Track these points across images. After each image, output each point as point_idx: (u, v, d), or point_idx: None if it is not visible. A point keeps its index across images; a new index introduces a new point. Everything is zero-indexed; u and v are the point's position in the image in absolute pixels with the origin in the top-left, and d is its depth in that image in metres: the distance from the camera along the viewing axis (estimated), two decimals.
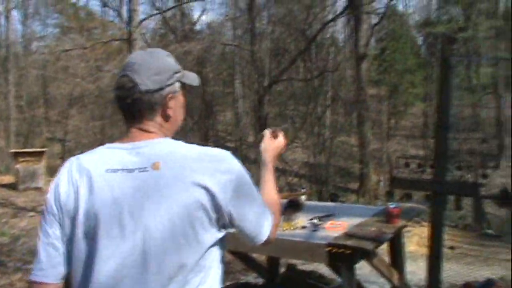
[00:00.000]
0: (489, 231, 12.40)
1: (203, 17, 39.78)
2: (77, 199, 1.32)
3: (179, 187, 1.28)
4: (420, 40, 32.64)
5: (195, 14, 38.93)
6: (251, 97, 24.07)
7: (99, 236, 1.28)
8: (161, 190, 1.28)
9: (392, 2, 23.11)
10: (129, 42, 9.83)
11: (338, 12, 21.73)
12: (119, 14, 14.54)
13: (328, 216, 3.62)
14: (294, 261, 5.09)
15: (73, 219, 1.32)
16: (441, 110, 3.47)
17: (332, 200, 16.29)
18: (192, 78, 1.54)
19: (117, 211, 1.28)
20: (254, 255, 4.72)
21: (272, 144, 1.94)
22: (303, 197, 4.70)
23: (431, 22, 27.47)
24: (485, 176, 17.43)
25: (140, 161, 1.33)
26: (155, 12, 19.01)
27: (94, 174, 1.33)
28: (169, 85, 1.43)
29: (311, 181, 19.88)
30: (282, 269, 4.86)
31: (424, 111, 26.95)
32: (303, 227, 3.36)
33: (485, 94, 25.17)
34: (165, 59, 1.46)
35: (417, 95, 26.63)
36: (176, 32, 23.11)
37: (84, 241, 1.30)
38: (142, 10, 25.64)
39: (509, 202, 13.13)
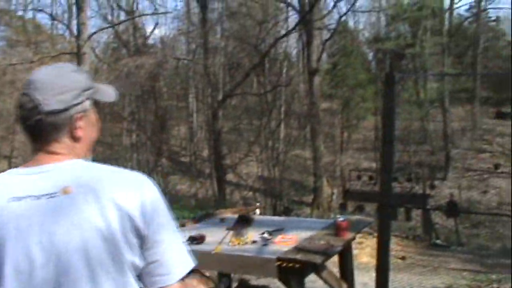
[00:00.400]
0: (438, 241, 12.76)
1: (156, 31, 39.49)
2: None
3: (93, 212, 1.16)
4: (370, 55, 33.56)
5: (148, 28, 38.57)
6: (205, 111, 24.04)
7: (6, 274, 1.14)
8: (73, 216, 1.16)
9: (343, 19, 23.71)
10: (78, 56, 9.62)
11: (290, 27, 22.08)
12: (68, 28, 14.23)
13: (278, 230, 3.63)
14: (246, 276, 5.07)
15: None
16: (385, 124, 3.56)
17: (286, 214, 16.38)
18: (107, 94, 1.40)
19: (25, 244, 1.15)
20: (206, 272, 4.67)
21: None
22: (257, 211, 4.70)
23: (381, 38, 28.30)
24: (433, 187, 18.01)
25: (48, 186, 1.20)
26: (107, 25, 18.71)
27: None
28: (76, 104, 1.28)
29: (265, 195, 19.95)
30: (234, 285, 4.83)
31: (375, 125, 27.62)
32: (254, 242, 3.35)
33: (432, 108, 26.06)
34: (72, 76, 1.31)
35: (368, 109, 27.26)
36: (128, 46, 22.84)
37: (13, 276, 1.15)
38: (93, 23, 25.28)
39: (456, 212, 13.60)
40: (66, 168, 1.24)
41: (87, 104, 1.31)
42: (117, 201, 1.18)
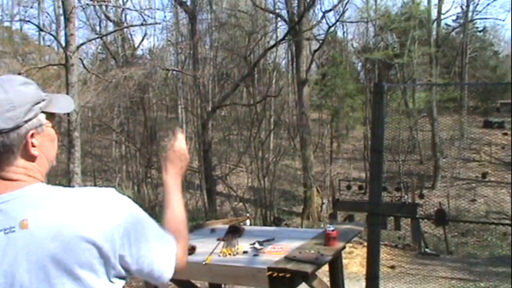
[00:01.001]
0: (427, 250, 12.80)
1: (145, 42, 39.51)
2: None
3: (56, 247, 1.07)
4: (359, 65, 33.83)
5: (137, 39, 38.63)
6: (195, 122, 24.02)
7: None
8: (34, 253, 1.06)
9: (331, 29, 23.91)
10: (66, 67, 9.58)
11: (279, 38, 22.22)
12: (56, 39, 14.19)
13: (269, 240, 3.64)
14: (237, 287, 5.06)
15: None
16: (374, 133, 3.60)
17: (276, 224, 16.37)
18: (61, 105, 1.28)
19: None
20: (197, 283, 4.66)
21: (179, 153, 1.62)
22: (247, 222, 4.71)
23: (369, 48, 28.55)
24: (422, 196, 18.11)
25: (5, 220, 1.08)
26: (95, 36, 18.70)
27: None
28: (28, 120, 1.16)
29: (255, 205, 19.91)
30: None
31: (365, 134, 27.76)
32: (244, 252, 3.36)
33: (420, 118, 26.28)
34: (19, 90, 1.18)
35: (357, 119, 27.42)
36: (117, 57, 22.83)
37: None
38: (81, 34, 25.23)
39: (444, 221, 13.68)
40: (25, 197, 1.12)
41: (41, 118, 1.20)
42: (81, 232, 1.08)
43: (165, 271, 1.25)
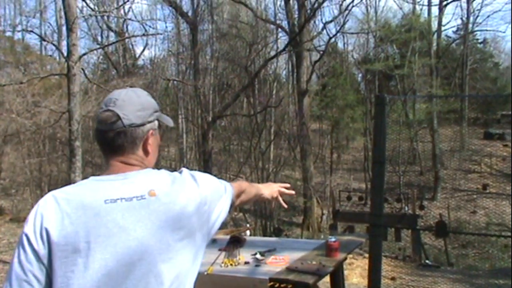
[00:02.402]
0: (428, 262, 12.75)
1: (146, 52, 39.67)
2: (77, 233, 1.29)
3: (178, 211, 1.37)
4: (359, 76, 33.93)
5: (138, 49, 38.74)
6: (195, 132, 24.05)
7: (111, 262, 1.29)
8: (163, 214, 1.35)
9: (332, 40, 24.00)
10: (68, 77, 9.61)
11: (280, 49, 22.30)
12: (58, 49, 14.24)
13: (270, 251, 3.63)
14: None
15: (79, 252, 1.29)
16: (376, 145, 3.60)
17: (276, 234, 16.32)
18: (168, 119, 1.59)
19: (123, 239, 1.31)
20: None
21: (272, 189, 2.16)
22: (247, 232, 4.70)
23: (369, 59, 28.65)
24: (422, 207, 18.06)
25: (136, 190, 1.36)
26: (96, 46, 18.78)
27: (94, 205, 1.32)
28: (150, 121, 1.48)
29: (256, 216, 19.87)
30: None
31: (365, 145, 27.80)
32: (246, 263, 3.35)
33: (421, 129, 26.31)
34: (147, 98, 1.52)
35: (358, 130, 27.48)
36: (118, 67, 22.90)
37: (92, 269, 1.28)
38: (83, 44, 25.36)
39: (445, 233, 13.64)
40: (146, 175, 1.42)
41: (156, 124, 1.52)
42: (191, 198, 1.42)
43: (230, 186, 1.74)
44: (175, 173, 1.49)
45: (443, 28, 30.36)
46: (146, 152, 1.48)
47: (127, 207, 1.33)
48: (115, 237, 1.30)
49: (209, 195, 1.49)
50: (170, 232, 1.34)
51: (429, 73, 27.92)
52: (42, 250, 1.29)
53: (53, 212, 1.32)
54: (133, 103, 1.45)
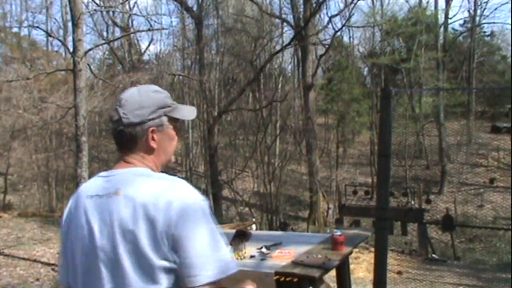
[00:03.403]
0: (434, 256, 12.74)
1: (151, 48, 39.68)
2: (65, 221, 1.53)
3: (127, 213, 1.36)
4: (365, 70, 33.79)
5: (143, 45, 38.76)
6: (201, 127, 24.06)
7: (79, 253, 1.44)
8: (116, 215, 1.37)
9: (337, 34, 23.89)
10: (74, 72, 9.63)
11: (285, 43, 22.23)
12: (64, 44, 14.27)
13: (276, 245, 3.63)
14: None
15: (66, 239, 1.51)
16: (382, 138, 3.59)
17: (282, 229, 16.34)
18: (184, 113, 1.61)
19: (86, 233, 1.42)
20: None
21: None
22: (253, 227, 4.70)
23: (375, 53, 28.51)
24: (429, 201, 18.00)
25: (109, 188, 1.43)
26: (102, 42, 18.80)
27: (80, 199, 1.48)
28: (152, 119, 1.50)
29: (261, 210, 19.89)
30: None
31: (371, 139, 27.71)
32: (252, 257, 3.35)
33: (427, 123, 26.19)
34: (149, 95, 1.54)
35: (363, 123, 27.37)
36: (123, 62, 22.93)
37: (76, 256, 1.46)
38: (88, 40, 25.39)
39: (451, 227, 13.60)
40: (125, 174, 1.46)
41: (164, 119, 1.53)
42: (146, 208, 1.34)
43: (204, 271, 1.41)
44: (162, 178, 1.43)
45: (449, 21, 30.18)
46: (149, 150, 1.52)
47: (97, 204, 1.43)
48: (83, 230, 1.42)
49: (177, 234, 1.32)
50: (118, 235, 1.35)
51: (435, 66, 27.74)
52: (63, 236, 1.54)
53: (70, 201, 1.55)
54: (133, 102, 1.50)
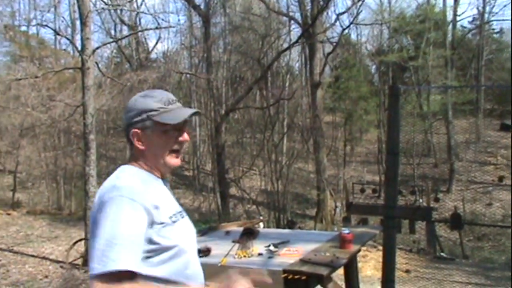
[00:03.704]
0: (442, 254, 12.67)
1: (159, 46, 39.74)
2: None
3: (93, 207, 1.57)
4: (372, 68, 33.66)
5: (151, 43, 38.83)
6: (208, 125, 24.08)
7: None
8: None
9: (345, 32, 23.80)
10: (82, 71, 9.68)
11: (292, 41, 22.18)
12: (72, 43, 14.32)
13: (284, 243, 3.63)
14: None
15: None
16: (390, 136, 3.57)
17: (289, 227, 16.33)
18: (171, 117, 1.64)
19: None
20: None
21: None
22: (260, 225, 4.70)
23: (383, 51, 28.39)
24: (437, 200, 17.92)
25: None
26: (110, 40, 18.85)
27: None
28: (135, 122, 1.63)
29: (269, 208, 19.88)
30: None
31: (379, 137, 27.62)
32: (259, 254, 3.35)
33: (436, 121, 26.05)
34: (136, 99, 1.68)
35: (371, 122, 27.29)
36: (131, 61, 22.98)
37: None
38: (96, 38, 25.47)
39: (460, 225, 13.53)
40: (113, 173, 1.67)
41: (148, 123, 1.63)
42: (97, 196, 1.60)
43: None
44: (114, 184, 1.57)
45: (458, 18, 29.94)
46: (139, 151, 1.66)
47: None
48: None
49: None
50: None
51: (444, 64, 27.57)
52: None
53: None
54: (125, 107, 1.71)
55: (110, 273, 1.38)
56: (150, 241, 1.51)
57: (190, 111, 1.71)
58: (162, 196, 1.63)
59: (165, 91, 1.75)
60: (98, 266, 1.39)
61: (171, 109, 1.66)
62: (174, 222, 1.59)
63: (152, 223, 1.52)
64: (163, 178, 1.71)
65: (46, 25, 16.96)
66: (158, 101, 1.65)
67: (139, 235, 1.47)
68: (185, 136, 1.71)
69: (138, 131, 1.63)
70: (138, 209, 1.49)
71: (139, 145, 1.64)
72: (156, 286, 1.50)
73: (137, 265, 1.44)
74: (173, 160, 1.69)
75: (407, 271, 10.13)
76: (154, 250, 1.52)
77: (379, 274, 9.74)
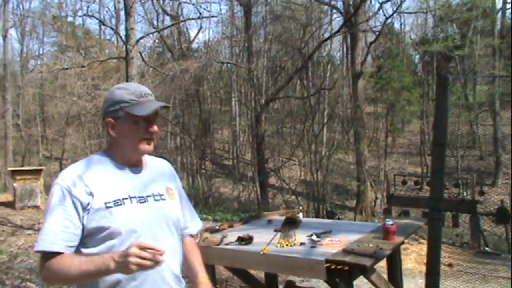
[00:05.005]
0: (487, 249, 12.35)
1: (200, 36, 40.01)
2: None
3: None
4: (416, 58, 32.92)
5: (192, 33, 39.15)
6: (249, 115, 24.16)
7: None
8: None
9: (388, 21, 23.32)
10: (126, 60, 9.85)
11: (334, 30, 21.91)
12: (117, 33, 14.59)
13: (326, 232, 3.61)
14: (292, 278, 5.07)
15: None
16: (437, 126, 3.49)
17: (329, 217, 16.23)
18: (141, 109, 1.78)
19: None
20: (253, 272, 4.70)
21: None
22: (300, 215, 4.69)
23: (427, 40, 27.69)
24: (482, 193, 17.43)
25: None
26: (152, 30, 19.10)
27: None
28: (110, 112, 1.80)
29: (308, 199, 19.84)
30: (281, 286, 4.83)
31: (421, 129, 27.05)
32: (302, 244, 3.35)
33: (482, 112, 25.27)
34: (112, 92, 1.85)
35: (414, 112, 26.72)
36: (173, 50, 23.24)
37: None
38: (139, 28, 25.82)
39: (506, 219, 13.13)
40: None
41: (120, 113, 1.79)
42: None
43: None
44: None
45: (508, 6, 28.88)
46: (111, 139, 1.84)
47: None
48: None
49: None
50: None
51: (491, 53, 26.67)
52: None
53: None
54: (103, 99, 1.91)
55: (43, 252, 1.67)
56: (83, 225, 1.70)
57: (158, 104, 1.83)
58: (107, 183, 1.76)
59: (141, 85, 1.90)
60: (36, 244, 1.68)
61: (142, 101, 1.80)
62: (109, 207, 1.71)
63: (84, 208, 1.69)
64: (136, 165, 1.88)
65: (92, 16, 17.36)
66: (131, 93, 1.80)
67: (65, 219, 1.68)
68: (154, 127, 1.84)
69: (112, 120, 1.80)
70: (65, 196, 1.69)
71: (112, 133, 1.82)
72: (79, 257, 1.66)
73: (63, 245, 1.66)
74: (144, 146, 1.84)
75: (450, 265, 9.92)
76: (89, 232, 1.70)
77: (420, 268, 9.58)
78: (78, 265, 1.63)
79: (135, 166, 1.88)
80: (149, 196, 1.84)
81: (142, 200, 1.81)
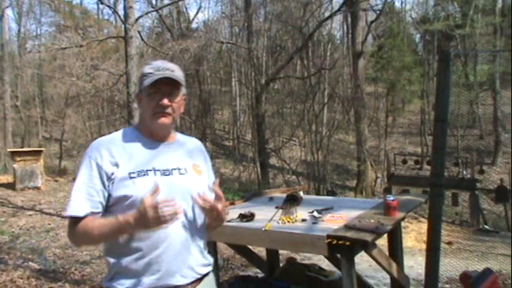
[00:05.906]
0: (486, 226, 12.44)
1: (199, 15, 39.70)
2: None
3: None
4: (417, 37, 32.71)
5: (191, 12, 38.83)
6: (249, 95, 24.09)
7: None
8: None
9: None
10: (125, 39, 9.78)
11: (334, 9, 21.71)
12: (116, 11, 14.46)
13: (327, 209, 3.63)
14: (294, 255, 5.11)
15: None
16: (438, 103, 3.48)
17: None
18: (149, 80, 1.84)
19: None
20: (255, 250, 4.74)
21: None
22: (301, 192, 4.70)
23: (428, 19, 27.47)
24: (481, 172, 17.49)
25: None
26: (151, 9, 18.93)
27: None
28: (139, 86, 1.92)
29: (308, 179, 19.89)
30: (282, 264, 4.87)
31: (422, 108, 26.99)
32: (303, 220, 3.36)
33: (482, 91, 25.16)
34: (143, 67, 1.95)
35: (414, 92, 26.64)
36: (172, 30, 23.07)
37: None
38: (138, 8, 25.60)
39: (505, 197, 13.19)
40: None
41: (142, 87, 1.88)
42: None
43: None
44: None
45: None
46: (140, 112, 2.04)
47: None
48: None
49: None
50: None
51: (492, 32, 26.47)
52: None
53: None
54: None
55: (70, 216, 1.79)
56: (109, 192, 1.79)
57: (163, 75, 1.84)
58: (133, 155, 1.84)
59: (167, 62, 1.94)
60: (66, 210, 1.80)
61: (156, 74, 1.83)
62: (132, 177, 1.78)
63: (109, 178, 1.78)
64: (163, 140, 1.95)
65: None
66: (151, 67, 1.87)
67: (90, 187, 1.78)
68: (164, 101, 1.85)
69: (140, 94, 1.91)
70: (92, 166, 1.79)
71: (139, 107, 1.95)
72: (100, 219, 1.77)
73: (88, 211, 1.77)
74: (158, 119, 1.87)
75: (449, 243, 10.00)
76: (114, 200, 1.79)
77: (420, 246, 9.66)
78: (102, 225, 1.74)
79: (161, 140, 1.94)
80: (174, 169, 1.90)
81: (166, 173, 1.87)
